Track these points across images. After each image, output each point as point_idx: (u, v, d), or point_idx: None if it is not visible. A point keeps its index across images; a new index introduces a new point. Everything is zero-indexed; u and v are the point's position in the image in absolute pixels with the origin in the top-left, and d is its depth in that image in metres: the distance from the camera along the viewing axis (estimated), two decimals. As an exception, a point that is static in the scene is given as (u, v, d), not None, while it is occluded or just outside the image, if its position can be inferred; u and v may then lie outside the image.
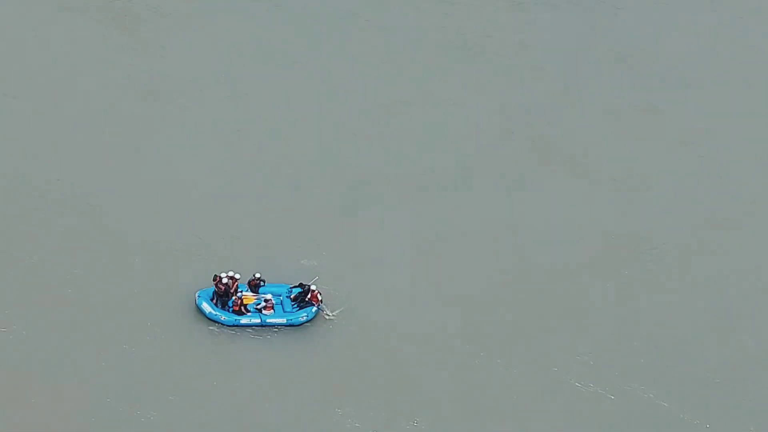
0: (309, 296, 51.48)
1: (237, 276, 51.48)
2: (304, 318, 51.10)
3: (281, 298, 51.76)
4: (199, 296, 51.04)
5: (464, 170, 59.29)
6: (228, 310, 50.79)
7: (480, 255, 55.06)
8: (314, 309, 51.25)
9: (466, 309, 52.60)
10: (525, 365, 50.43)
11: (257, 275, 51.81)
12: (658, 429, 48.61)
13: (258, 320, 50.80)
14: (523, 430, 48.33)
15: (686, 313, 53.19)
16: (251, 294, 51.70)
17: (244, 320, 50.66)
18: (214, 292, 51.00)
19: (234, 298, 50.86)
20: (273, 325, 50.87)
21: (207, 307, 50.68)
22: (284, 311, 51.29)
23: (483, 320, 52.13)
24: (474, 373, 50.02)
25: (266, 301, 51.12)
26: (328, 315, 51.66)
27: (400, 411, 48.32)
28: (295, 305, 51.58)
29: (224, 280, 50.79)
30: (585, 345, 51.27)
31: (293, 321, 50.98)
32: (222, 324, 50.63)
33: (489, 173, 59.31)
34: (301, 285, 51.91)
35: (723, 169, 61.03)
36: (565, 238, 56.12)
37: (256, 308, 51.06)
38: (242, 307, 50.79)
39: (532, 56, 66.35)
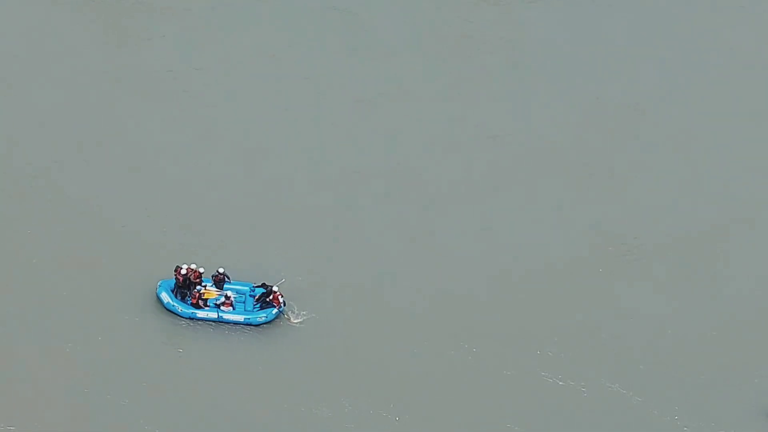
0: (271, 297, 50.92)
1: (201, 270, 51.34)
2: (263, 318, 50.65)
3: (244, 296, 51.19)
4: (159, 285, 50.90)
5: (444, 168, 58.38)
6: (187, 303, 50.31)
7: (458, 252, 54.54)
8: (274, 311, 50.63)
9: (443, 305, 52.35)
10: (499, 359, 50.43)
11: (221, 270, 51.53)
12: (628, 422, 49.01)
13: (215, 315, 50.41)
14: (496, 421, 48.47)
15: (662, 312, 52.97)
16: (214, 289, 51.29)
17: (200, 314, 50.47)
18: (175, 283, 50.60)
19: (193, 290, 50.38)
20: (229, 323, 50.33)
21: (165, 297, 50.61)
22: (246, 310, 50.72)
23: (460, 316, 51.90)
24: (450, 367, 50.08)
25: (226, 297, 50.65)
26: (290, 320, 51.08)
27: (369, 405, 48.59)
28: (257, 305, 50.99)
29: (183, 271, 50.48)
30: (560, 340, 51.20)
31: (251, 320, 50.58)
32: (178, 315, 50.24)
33: (468, 171, 58.45)
34: (264, 285, 51.50)
35: (706, 169, 59.66)
36: (546, 235, 55.63)
37: (216, 304, 50.56)
38: (200, 301, 50.31)
39: (515, 52, 64.96)
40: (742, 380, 50.67)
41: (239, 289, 51.56)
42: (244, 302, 51.26)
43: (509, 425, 48.58)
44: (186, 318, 50.39)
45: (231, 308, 50.71)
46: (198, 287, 50.81)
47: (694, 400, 49.79)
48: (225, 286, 51.53)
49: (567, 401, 49.43)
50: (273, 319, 50.86)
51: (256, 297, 51.36)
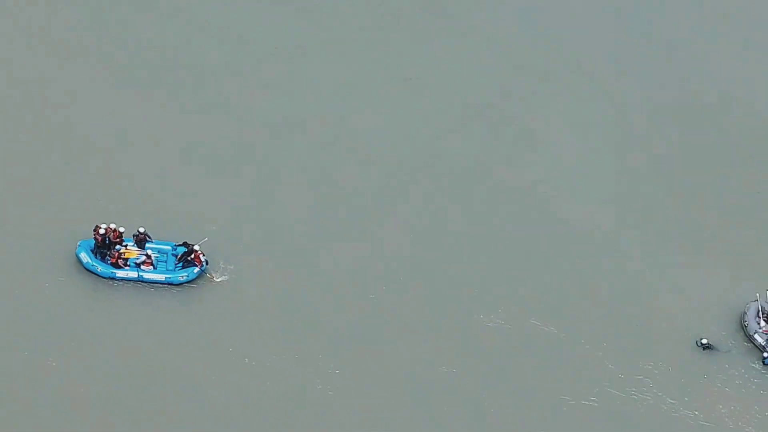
0: (192, 256, 50.57)
1: (121, 229, 50.89)
2: (184, 278, 50.34)
3: (166, 255, 50.86)
4: (79, 245, 50.47)
5: (363, 115, 58.39)
6: (106, 262, 49.91)
7: (379, 198, 54.84)
8: (196, 270, 50.31)
9: (366, 254, 52.60)
10: (427, 303, 51.10)
11: (141, 230, 51.14)
12: (553, 357, 50.10)
13: (135, 275, 49.96)
14: (427, 363, 49.22)
15: (590, 251, 54.08)
16: (136, 249, 50.85)
17: (120, 273, 50.07)
18: (95, 243, 50.18)
19: (113, 250, 49.99)
20: (150, 282, 49.99)
21: (85, 257, 50.14)
22: (167, 269, 50.38)
23: (383, 263, 52.31)
24: (376, 314, 50.53)
25: (147, 256, 50.26)
26: (213, 279, 50.80)
27: (293, 358, 48.82)
28: (179, 264, 50.65)
29: (101, 231, 50.08)
30: (492, 284, 52.05)
31: (172, 280, 50.27)
32: (98, 275, 49.83)
33: (388, 116, 58.47)
34: (185, 244, 51.15)
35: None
36: (470, 180, 56.12)
37: (136, 263, 50.17)
38: (120, 260, 49.89)
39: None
40: (669, 316, 51.75)
41: (161, 249, 51.22)
42: (165, 261, 50.93)
43: (443, 369, 48.97)
44: (106, 278, 50.01)
45: (152, 267, 50.35)
46: (118, 247, 50.40)
47: (620, 335, 50.87)
48: (146, 245, 51.16)
49: (496, 340, 50.10)
50: (195, 279, 50.59)
51: (178, 256, 51.02)
